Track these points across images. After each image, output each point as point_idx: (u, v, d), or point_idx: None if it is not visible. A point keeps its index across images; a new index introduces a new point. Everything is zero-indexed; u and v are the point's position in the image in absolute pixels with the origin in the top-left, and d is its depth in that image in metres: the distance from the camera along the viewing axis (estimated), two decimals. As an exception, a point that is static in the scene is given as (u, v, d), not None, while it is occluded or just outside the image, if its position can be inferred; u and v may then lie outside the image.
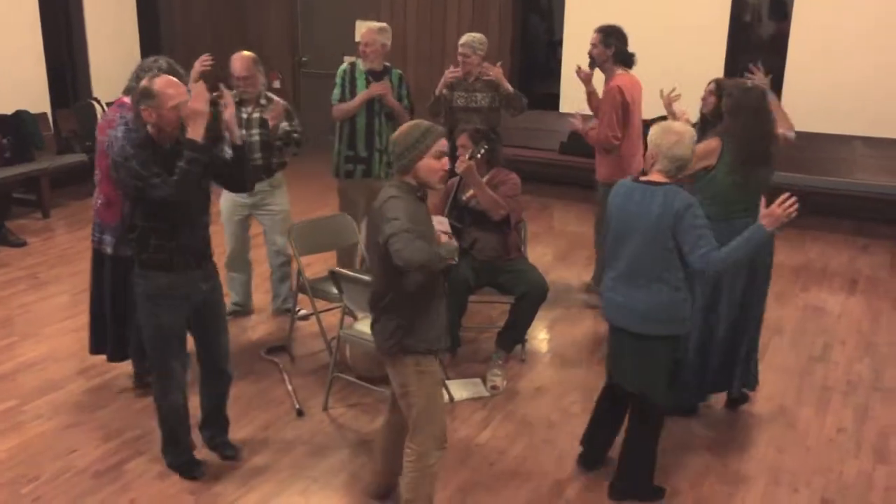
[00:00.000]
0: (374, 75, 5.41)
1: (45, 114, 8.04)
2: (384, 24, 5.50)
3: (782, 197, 3.15)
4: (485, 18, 8.58)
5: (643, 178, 3.37)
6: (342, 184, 5.56)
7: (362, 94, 5.33)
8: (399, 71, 5.55)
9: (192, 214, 3.43)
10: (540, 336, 5.23)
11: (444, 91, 5.66)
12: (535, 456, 3.90)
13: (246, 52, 4.92)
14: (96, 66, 8.70)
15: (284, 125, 4.94)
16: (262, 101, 4.93)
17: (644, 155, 5.38)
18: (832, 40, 7.24)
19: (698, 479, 3.74)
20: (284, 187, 5.19)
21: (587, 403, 4.37)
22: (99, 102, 8.09)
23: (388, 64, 5.51)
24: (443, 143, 3.02)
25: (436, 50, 9.05)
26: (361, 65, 5.45)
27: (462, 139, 4.66)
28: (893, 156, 7.26)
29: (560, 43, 8.54)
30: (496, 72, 5.57)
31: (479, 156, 4.51)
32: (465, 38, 5.69)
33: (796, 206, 3.14)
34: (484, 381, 4.53)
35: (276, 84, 9.99)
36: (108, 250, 4.13)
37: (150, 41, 9.28)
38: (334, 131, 5.52)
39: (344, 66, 5.52)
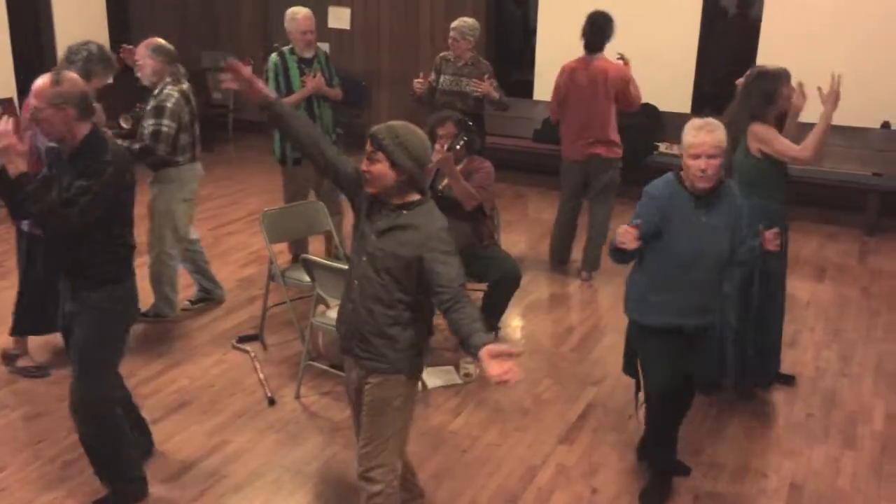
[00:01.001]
0: (304, 62, 5.45)
1: (10, 99, 7.89)
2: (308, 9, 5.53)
3: (624, 227, 3.07)
4: (460, 5, 8.53)
5: None
6: (291, 171, 5.57)
7: (300, 93, 5.36)
8: (325, 50, 5.57)
9: (48, 233, 3.25)
10: (513, 323, 5.23)
11: (431, 79, 5.73)
12: (508, 443, 3.91)
13: (152, 39, 4.74)
14: (64, 50, 8.53)
15: (150, 122, 4.61)
16: (155, 92, 4.70)
17: (591, 139, 5.56)
18: (804, 27, 7.29)
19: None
20: (168, 186, 4.80)
21: (560, 390, 4.40)
22: (66, 87, 7.95)
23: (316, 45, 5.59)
24: (368, 144, 2.74)
25: (409, 36, 9.00)
26: (291, 52, 5.45)
27: (448, 127, 4.55)
28: (861, 144, 7.35)
29: (535, 31, 8.52)
30: (484, 87, 5.64)
31: (457, 147, 4.49)
32: (456, 23, 5.80)
33: (631, 239, 3.03)
34: (457, 369, 4.53)
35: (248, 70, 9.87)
36: (24, 227, 4.15)
37: (119, 26, 9.13)
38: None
39: (273, 58, 5.48)
